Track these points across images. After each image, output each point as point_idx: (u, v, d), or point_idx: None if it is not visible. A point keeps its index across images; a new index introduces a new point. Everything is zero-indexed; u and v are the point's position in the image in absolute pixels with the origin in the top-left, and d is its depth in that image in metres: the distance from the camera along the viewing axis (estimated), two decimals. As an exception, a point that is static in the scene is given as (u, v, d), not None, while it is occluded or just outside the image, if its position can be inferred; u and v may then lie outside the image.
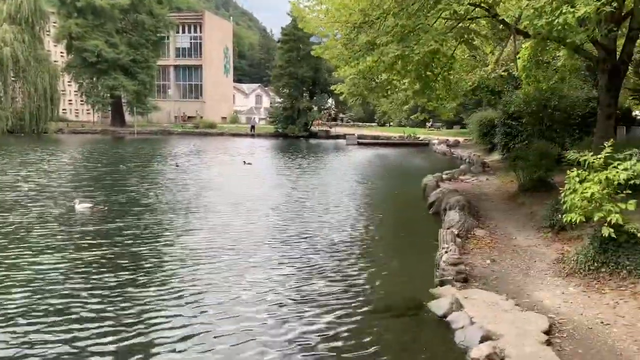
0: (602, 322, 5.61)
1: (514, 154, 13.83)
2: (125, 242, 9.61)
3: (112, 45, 55.12)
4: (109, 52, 54.12)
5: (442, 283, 7.21)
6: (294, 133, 51.61)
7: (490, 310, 6.07)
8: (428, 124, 61.87)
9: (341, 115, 70.69)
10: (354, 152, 37.21)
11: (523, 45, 15.30)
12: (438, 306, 6.31)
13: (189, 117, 67.85)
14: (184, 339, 5.63)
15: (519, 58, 15.08)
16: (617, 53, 11.79)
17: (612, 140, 7.55)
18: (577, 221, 6.90)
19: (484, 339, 5.25)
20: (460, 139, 41.71)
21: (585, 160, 7.28)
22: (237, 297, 6.96)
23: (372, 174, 22.93)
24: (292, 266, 8.47)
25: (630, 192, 6.83)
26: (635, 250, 6.68)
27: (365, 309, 6.62)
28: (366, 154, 35.96)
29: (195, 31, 75.44)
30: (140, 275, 7.75)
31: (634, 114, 30.41)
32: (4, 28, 46.58)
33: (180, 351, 5.35)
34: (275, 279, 7.77)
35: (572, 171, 7.22)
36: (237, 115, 79.77)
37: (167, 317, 6.23)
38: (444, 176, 18.31)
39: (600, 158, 7.12)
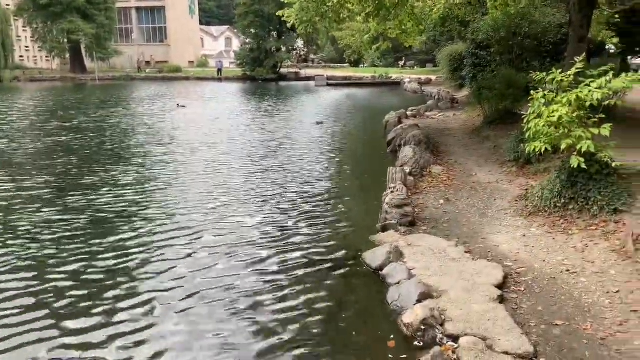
0: (567, 270, 4.63)
1: (480, 84, 12.65)
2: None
3: (65, -14, 51.18)
4: (61, -7, 50.31)
5: (384, 228, 6.15)
6: (262, 75, 49.36)
7: (435, 260, 5.04)
8: (401, 63, 60.19)
9: (312, 56, 68.07)
10: (323, 93, 35.58)
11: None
12: (373, 257, 5.23)
13: (146, 62, 64.03)
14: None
15: (486, -22, 13.67)
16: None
17: (584, 55, 6.41)
18: (542, 151, 5.83)
19: (423, 297, 4.22)
20: (433, 77, 40.38)
21: (553, 80, 6.14)
22: (158, 253, 5.80)
23: (335, 114, 21.56)
24: (223, 208, 7.33)
25: (604, 116, 5.74)
26: (607, 183, 5.66)
27: (298, 261, 5.54)
28: (336, 94, 34.42)
29: (155, -31, 70.86)
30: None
31: (607, 47, 29.45)
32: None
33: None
34: (202, 225, 6.63)
35: (537, 92, 6.08)
36: (205, 59, 76.34)
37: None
38: (409, 113, 17.12)
39: (569, 75, 5.99)
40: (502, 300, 4.20)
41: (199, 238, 6.29)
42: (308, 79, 49.55)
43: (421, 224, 6.30)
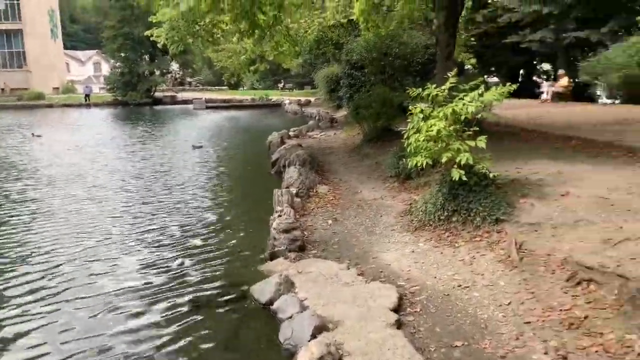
0: (459, 285, 4.56)
1: (356, 103, 12.87)
2: None
3: None
4: None
5: (273, 256, 5.76)
6: (136, 100, 47.01)
7: (328, 286, 4.74)
8: (280, 85, 60.87)
9: (188, 79, 66.42)
10: (202, 117, 34.58)
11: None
12: (262, 290, 4.80)
13: (1, 89, 57.79)
14: None
15: (357, 1, 14.07)
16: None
17: (456, 70, 6.60)
18: (424, 165, 5.84)
19: (317, 331, 3.86)
20: (312, 99, 41.21)
21: (428, 95, 6.23)
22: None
23: (216, 137, 20.88)
24: (91, 251, 6.43)
25: (477, 129, 5.92)
26: (487, 194, 5.78)
27: (179, 306, 4.87)
28: (215, 117, 33.63)
29: (9, -10, 64.81)
30: None
31: (466, 67, 32.20)
32: None
33: None
34: (65, 273, 5.72)
35: (415, 107, 6.12)
36: (72, 85, 71.00)
37: None
38: (291, 133, 17.07)
39: (444, 90, 6.11)
40: (399, 325, 3.99)
41: (62, 291, 5.34)
42: (185, 102, 48.12)
43: (311, 248, 6.00)
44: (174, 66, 56.40)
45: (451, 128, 5.75)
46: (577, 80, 23.03)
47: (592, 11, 21.56)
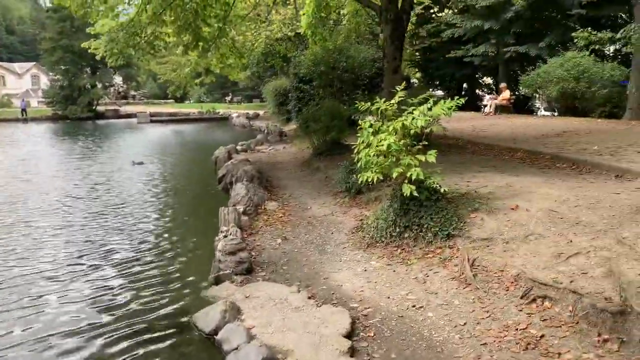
0: (413, 306, 4.40)
1: (305, 116, 12.72)
2: None
3: None
4: None
5: (218, 280, 5.42)
6: (76, 114, 45.23)
7: (277, 312, 4.47)
8: (227, 98, 60.19)
9: (132, 92, 64.58)
10: (146, 131, 33.58)
11: (307, 1, 14.25)
12: (206, 319, 4.47)
13: None
14: None
15: (303, 14, 14.01)
16: (399, 3, 11.27)
17: (404, 84, 6.54)
18: (374, 180, 5.70)
19: (266, 363, 3.60)
20: (260, 112, 40.91)
21: (378, 109, 6.12)
22: None
23: (160, 152, 20.18)
24: (21, 285, 5.87)
25: (426, 143, 5.86)
26: (438, 208, 5.70)
27: (117, 341, 4.48)
28: (161, 131, 32.73)
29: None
30: None
31: (412, 81, 32.86)
32: None
33: None
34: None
35: (365, 121, 6.00)
36: (8, 99, 67.49)
37: None
38: (239, 147, 16.69)
39: (393, 104, 6.02)
40: (353, 352, 3.77)
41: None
42: (129, 116, 46.84)
43: (259, 269, 5.71)
44: (117, 79, 54.69)
45: (401, 142, 5.66)
46: (517, 93, 23.85)
47: (530, 26, 22.42)
